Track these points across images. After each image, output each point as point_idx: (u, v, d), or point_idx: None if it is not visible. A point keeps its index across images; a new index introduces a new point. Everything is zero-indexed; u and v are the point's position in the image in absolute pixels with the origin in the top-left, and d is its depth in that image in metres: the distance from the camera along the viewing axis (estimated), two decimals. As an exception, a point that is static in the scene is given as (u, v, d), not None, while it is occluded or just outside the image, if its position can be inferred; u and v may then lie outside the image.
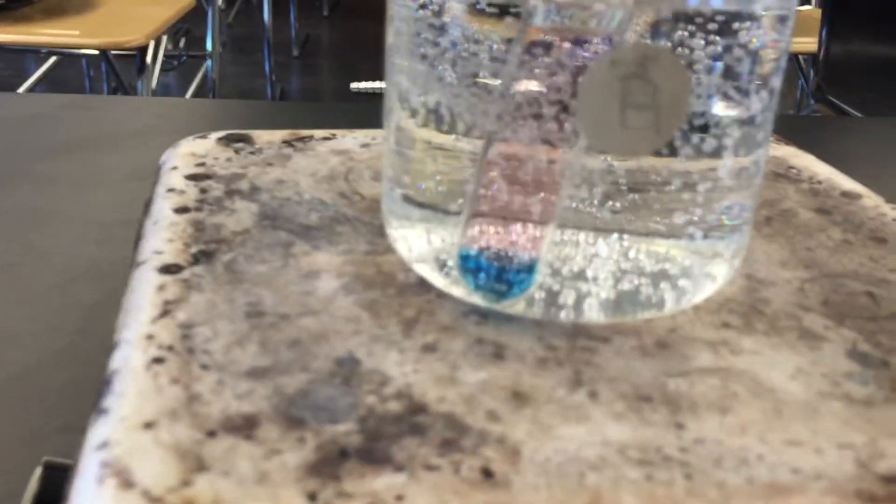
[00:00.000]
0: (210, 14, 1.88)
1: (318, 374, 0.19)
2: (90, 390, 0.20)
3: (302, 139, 0.32)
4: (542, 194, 0.20)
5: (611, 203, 0.20)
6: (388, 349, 0.20)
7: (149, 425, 0.17)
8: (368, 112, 0.74)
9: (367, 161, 0.31)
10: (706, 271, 0.21)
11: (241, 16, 3.08)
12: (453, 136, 0.22)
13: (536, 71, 0.20)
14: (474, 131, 0.21)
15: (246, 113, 0.90)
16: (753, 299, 0.22)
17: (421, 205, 0.23)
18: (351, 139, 0.32)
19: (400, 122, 0.23)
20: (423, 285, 0.23)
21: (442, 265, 0.22)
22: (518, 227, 0.21)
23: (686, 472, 0.16)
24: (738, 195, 0.22)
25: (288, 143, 0.32)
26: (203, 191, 0.28)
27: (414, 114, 0.22)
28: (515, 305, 0.21)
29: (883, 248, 0.26)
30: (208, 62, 1.98)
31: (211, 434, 0.17)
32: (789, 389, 0.19)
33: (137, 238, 0.27)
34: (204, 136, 0.32)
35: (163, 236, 0.24)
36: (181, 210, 0.26)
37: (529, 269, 0.21)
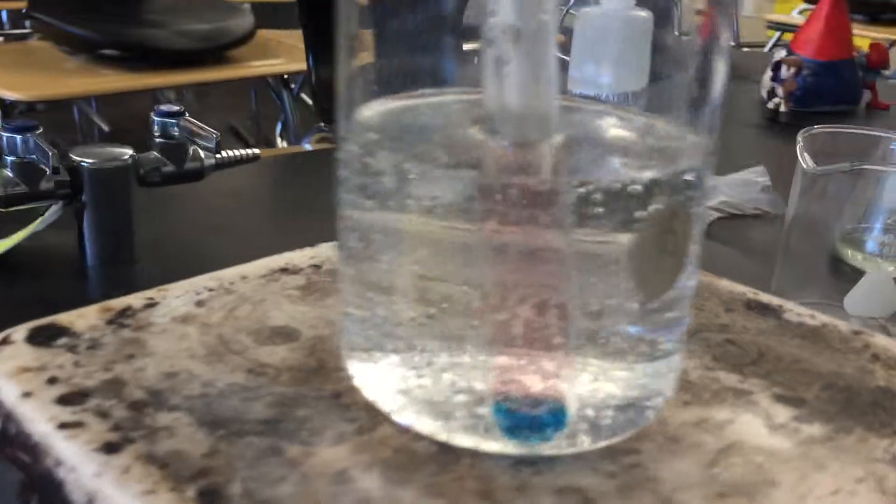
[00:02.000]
0: None
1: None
2: None
3: (123, 313, 0.28)
4: (555, 318, 0.22)
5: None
6: (508, 530, 0.20)
7: None
8: None
9: (220, 322, 0.28)
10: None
11: None
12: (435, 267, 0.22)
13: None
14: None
15: None
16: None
17: (403, 341, 0.23)
18: (174, 299, 0.29)
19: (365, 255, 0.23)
20: (445, 448, 0.23)
21: (460, 418, 0.23)
22: (546, 359, 0.22)
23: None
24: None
25: (113, 322, 0.28)
26: (102, 414, 0.23)
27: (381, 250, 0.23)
28: (553, 444, 0.23)
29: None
30: None
31: None
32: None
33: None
34: (5, 342, 0.26)
35: (134, 491, 0.21)
36: (109, 448, 0.22)
37: (562, 406, 0.23)
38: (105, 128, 2.23)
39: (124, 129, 2.53)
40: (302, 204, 0.70)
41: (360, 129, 0.23)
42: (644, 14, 0.25)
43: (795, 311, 0.31)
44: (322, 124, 1.37)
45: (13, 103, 1.43)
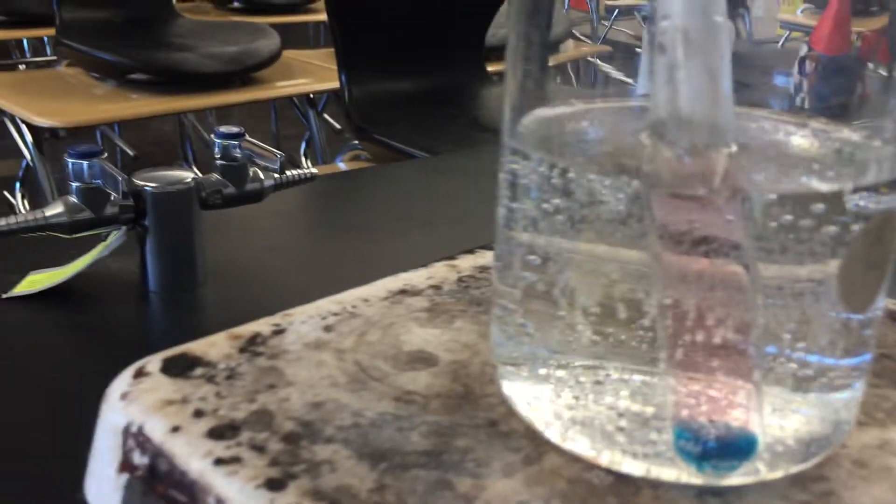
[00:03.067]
0: None
1: None
2: None
3: (253, 340, 0.27)
4: (742, 340, 0.21)
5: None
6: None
7: None
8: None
9: (353, 347, 0.27)
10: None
11: None
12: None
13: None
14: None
15: None
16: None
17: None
18: (300, 324, 0.28)
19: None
20: (620, 478, 0.22)
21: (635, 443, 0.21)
22: (736, 386, 0.21)
23: None
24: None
25: (245, 350, 0.26)
26: (257, 448, 0.22)
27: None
28: (737, 473, 0.21)
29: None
30: None
31: None
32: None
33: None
34: (141, 373, 0.25)
35: (318, 530, 0.19)
36: (273, 485, 0.21)
37: (754, 435, 0.21)
38: (130, 152, 2.23)
39: (148, 152, 2.54)
40: (353, 223, 0.69)
41: (526, 137, 0.22)
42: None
43: (944, 322, 0.30)
44: (356, 142, 1.37)
45: (40, 130, 1.42)
